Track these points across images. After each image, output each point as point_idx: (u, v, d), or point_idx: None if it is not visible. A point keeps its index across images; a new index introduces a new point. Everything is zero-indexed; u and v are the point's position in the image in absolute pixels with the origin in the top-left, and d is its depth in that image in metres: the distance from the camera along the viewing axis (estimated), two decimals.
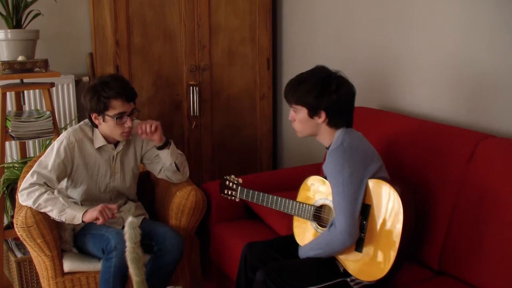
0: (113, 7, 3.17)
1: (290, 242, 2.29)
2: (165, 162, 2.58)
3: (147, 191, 2.85)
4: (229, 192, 2.47)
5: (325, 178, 2.16)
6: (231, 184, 2.46)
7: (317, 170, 2.97)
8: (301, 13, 3.54)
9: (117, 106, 2.39)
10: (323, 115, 2.08)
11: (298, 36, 3.59)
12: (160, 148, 2.54)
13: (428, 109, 2.65)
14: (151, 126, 2.44)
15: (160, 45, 3.34)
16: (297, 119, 2.15)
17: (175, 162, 2.57)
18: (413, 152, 2.38)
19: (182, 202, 2.58)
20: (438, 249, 2.22)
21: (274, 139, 3.87)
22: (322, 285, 2.05)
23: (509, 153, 2.10)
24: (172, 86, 3.42)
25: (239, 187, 2.43)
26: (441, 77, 2.58)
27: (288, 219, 2.52)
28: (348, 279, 2.07)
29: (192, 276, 2.79)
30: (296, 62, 3.64)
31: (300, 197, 2.28)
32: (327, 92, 2.05)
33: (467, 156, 2.19)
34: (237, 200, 2.46)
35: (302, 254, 2.17)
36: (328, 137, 2.14)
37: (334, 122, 2.10)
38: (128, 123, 2.43)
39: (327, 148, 2.17)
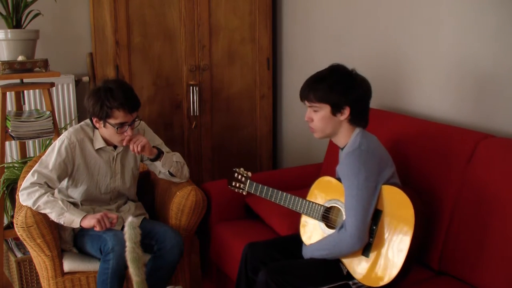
0: (113, 7, 3.17)
1: (291, 242, 2.28)
2: (160, 170, 2.61)
3: (147, 191, 2.85)
4: (237, 185, 2.44)
5: (339, 179, 2.16)
6: (240, 176, 2.43)
7: (317, 170, 2.98)
8: (301, 13, 3.54)
9: (119, 116, 2.39)
10: (347, 111, 2.06)
11: (298, 36, 3.59)
12: (152, 160, 2.56)
13: (428, 109, 2.65)
14: (137, 147, 2.44)
15: (160, 45, 3.34)
16: (317, 118, 2.10)
17: (169, 171, 2.59)
18: (413, 152, 2.38)
19: (182, 202, 2.58)
20: (438, 249, 2.21)
21: (274, 139, 3.87)
22: (324, 287, 2.04)
23: (509, 153, 2.10)
24: (172, 86, 3.42)
25: (248, 180, 2.40)
26: (441, 77, 2.58)
27: (288, 220, 2.52)
28: (350, 282, 2.07)
29: (192, 276, 2.79)
30: (296, 62, 3.64)
31: (310, 196, 2.26)
32: (352, 86, 2.05)
33: (467, 156, 2.19)
34: (244, 193, 2.43)
35: (307, 253, 2.17)
36: (345, 136, 2.12)
37: (355, 119, 2.09)
38: (128, 132, 2.43)
39: (341, 149, 2.16)
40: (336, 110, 2.07)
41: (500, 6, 2.28)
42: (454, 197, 2.19)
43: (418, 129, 2.45)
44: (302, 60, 3.56)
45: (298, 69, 3.63)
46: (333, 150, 2.91)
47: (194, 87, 3.43)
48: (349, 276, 2.07)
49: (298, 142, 3.68)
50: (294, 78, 3.68)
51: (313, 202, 2.21)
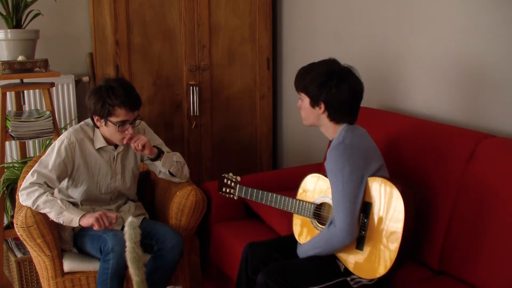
0: (113, 7, 3.18)
1: (291, 242, 2.29)
2: (160, 169, 2.61)
3: (147, 191, 2.85)
4: (227, 190, 2.46)
5: (326, 175, 2.16)
6: (229, 182, 2.46)
7: (317, 170, 2.97)
8: (301, 12, 3.54)
9: (120, 114, 2.40)
10: (322, 106, 2.09)
11: (298, 36, 3.59)
12: (152, 159, 2.57)
13: (428, 109, 2.66)
14: (138, 145, 2.45)
15: (160, 45, 3.34)
16: (302, 107, 2.17)
17: (169, 170, 2.59)
18: (413, 152, 2.38)
19: (182, 202, 2.58)
20: (438, 249, 2.22)
21: (274, 139, 3.87)
22: (323, 285, 2.05)
23: (509, 153, 2.10)
24: (172, 86, 3.42)
25: (238, 185, 2.43)
26: (441, 76, 2.58)
27: (288, 219, 2.52)
28: (348, 279, 2.08)
29: (192, 276, 2.79)
30: (296, 62, 3.64)
31: (300, 195, 2.28)
32: (328, 85, 2.06)
33: (467, 156, 2.19)
34: (235, 198, 2.45)
35: (301, 253, 2.18)
36: (330, 130, 2.14)
37: (334, 116, 2.10)
38: (129, 131, 2.44)
39: (331, 142, 2.17)
40: (314, 103, 2.11)
41: (499, 5, 2.28)
42: (454, 197, 2.19)
43: (418, 129, 2.46)
44: (302, 60, 3.54)
45: (298, 69, 3.62)
46: None
47: (194, 87, 3.43)
48: (347, 273, 2.08)
49: (298, 141, 3.68)
50: (294, 78, 3.67)
51: (303, 201, 2.23)
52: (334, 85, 2.05)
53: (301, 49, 3.57)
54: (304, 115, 2.18)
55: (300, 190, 2.29)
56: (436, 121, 2.55)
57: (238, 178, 2.45)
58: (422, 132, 2.42)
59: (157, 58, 3.35)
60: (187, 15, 3.36)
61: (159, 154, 2.55)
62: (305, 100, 2.14)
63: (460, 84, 2.49)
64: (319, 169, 2.97)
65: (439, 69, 2.58)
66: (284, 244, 2.32)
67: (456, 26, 2.47)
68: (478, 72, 2.40)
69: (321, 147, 3.14)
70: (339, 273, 2.09)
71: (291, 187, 2.66)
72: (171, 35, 3.35)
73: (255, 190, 2.36)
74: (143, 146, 2.45)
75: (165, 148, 2.63)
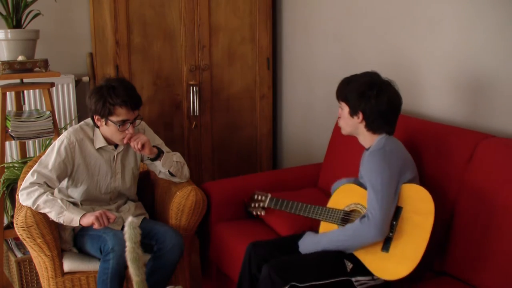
0: (113, 7, 3.18)
1: (295, 241, 2.29)
2: (160, 169, 2.61)
3: (147, 191, 2.85)
4: (256, 205, 2.57)
5: (360, 184, 2.20)
6: (259, 197, 2.56)
7: (317, 170, 2.98)
8: (301, 12, 3.54)
9: (121, 113, 2.40)
10: (360, 116, 2.15)
11: (298, 36, 3.59)
12: (152, 159, 2.57)
13: (428, 109, 2.65)
14: (137, 144, 2.45)
15: (160, 45, 3.34)
16: (342, 116, 2.24)
17: (169, 170, 2.59)
18: (413, 152, 2.37)
19: (182, 202, 2.58)
20: (439, 249, 2.21)
21: (274, 139, 3.87)
22: (326, 281, 2.05)
23: (509, 153, 2.10)
24: (172, 86, 3.42)
25: (268, 197, 2.52)
26: (441, 77, 2.58)
27: (289, 220, 2.53)
28: (353, 279, 2.08)
29: (192, 276, 2.79)
30: (296, 62, 3.64)
31: (331, 203, 2.31)
32: (367, 95, 2.13)
33: (467, 156, 2.19)
34: (263, 213, 2.57)
35: (317, 244, 2.18)
36: (368, 140, 2.21)
37: (371, 126, 2.16)
38: (129, 130, 2.44)
39: (366, 150, 2.22)
40: (353, 112, 2.18)
41: (501, 6, 2.28)
42: (454, 197, 2.19)
43: (417, 129, 2.46)
44: (302, 60, 3.56)
45: (298, 69, 3.63)
46: (333, 151, 2.91)
47: (194, 87, 3.44)
48: (353, 273, 2.08)
49: (298, 142, 3.68)
50: (294, 78, 3.68)
51: (332, 208, 2.26)
52: (373, 96, 2.12)
53: (301, 49, 3.57)
54: (343, 124, 2.25)
55: (332, 198, 2.33)
56: (436, 121, 2.55)
57: (269, 194, 2.55)
58: (422, 132, 2.42)
59: (157, 58, 3.35)
60: (187, 15, 3.36)
61: (159, 154, 2.55)
62: (345, 109, 2.21)
63: (460, 84, 2.49)
64: (319, 169, 2.97)
65: (439, 69, 2.58)
66: (287, 243, 2.32)
67: (457, 27, 2.46)
68: (478, 73, 2.40)
69: (321, 147, 3.14)
70: (345, 272, 2.09)
71: (291, 187, 2.67)
72: (171, 35, 3.35)
73: (285, 201, 2.43)
74: (143, 146, 2.46)
75: (165, 148, 2.63)
